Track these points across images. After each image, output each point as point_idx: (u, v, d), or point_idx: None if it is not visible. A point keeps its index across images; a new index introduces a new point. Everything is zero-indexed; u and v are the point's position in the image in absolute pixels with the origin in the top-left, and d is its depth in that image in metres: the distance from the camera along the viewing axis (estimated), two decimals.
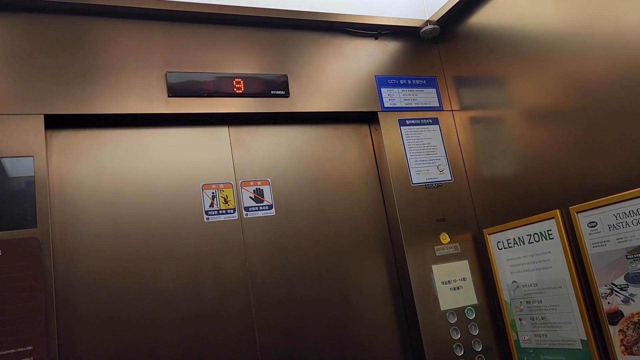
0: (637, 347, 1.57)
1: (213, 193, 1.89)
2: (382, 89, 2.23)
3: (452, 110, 2.34)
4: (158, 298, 1.74)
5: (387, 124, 2.20)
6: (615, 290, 1.62)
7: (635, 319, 1.57)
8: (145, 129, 1.89)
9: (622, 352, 1.61)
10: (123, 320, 1.69)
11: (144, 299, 1.73)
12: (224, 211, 1.89)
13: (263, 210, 1.96)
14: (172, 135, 1.92)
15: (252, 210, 1.94)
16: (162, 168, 1.87)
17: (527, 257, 1.94)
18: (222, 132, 2.00)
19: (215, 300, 1.81)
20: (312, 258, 2.00)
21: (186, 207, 1.86)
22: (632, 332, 1.58)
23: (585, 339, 1.73)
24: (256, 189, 1.97)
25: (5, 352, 1.44)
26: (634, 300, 1.57)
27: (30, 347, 1.47)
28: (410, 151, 2.20)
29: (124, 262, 1.74)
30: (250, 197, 1.95)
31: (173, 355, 1.72)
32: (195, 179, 1.90)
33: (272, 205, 1.99)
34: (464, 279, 2.11)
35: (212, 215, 1.87)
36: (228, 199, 1.90)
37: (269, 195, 1.99)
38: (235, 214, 1.90)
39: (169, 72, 1.88)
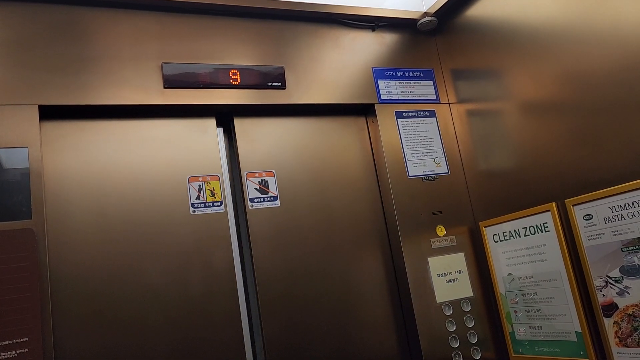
0: (632, 339, 1.58)
1: (199, 185, 1.88)
2: (379, 81, 2.22)
3: (449, 103, 2.33)
4: (146, 289, 1.73)
5: (384, 117, 2.19)
6: (610, 283, 1.63)
7: (630, 311, 1.58)
8: (140, 120, 1.88)
9: (617, 344, 1.62)
10: (112, 313, 1.68)
11: (132, 289, 1.72)
12: (210, 204, 1.88)
13: (268, 201, 1.97)
14: (165, 127, 1.91)
15: (258, 202, 1.94)
16: (150, 160, 1.85)
17: (522, 249, 1.95)
18: (209, 124, 1.98)
19: (202, 292, 1.80)
20: (313, 250, 2.00)
21: (172, 200, 1.84)
22: (627, 325, 1.59)
23: (580, 331, 1.74)
24: (261, 180, 1.96)
25: (1, 343, 1.44)
26: (628, 293, 1.58)
27: (25, 339, 1.46)
28: (407, 144, 2.19)
29: (113, 252, 1.73)
30: (256, 189, 1.95)
31: (164, 349, 1.72)
32: (181, 171, 1.88)
33: (277, 196, 1.99)
34: (459, 272, 2.12)
35: (198, 207, 1.86)
36: (215, 192, 1.89)
37: (274, 186, 1.99)
38: (222, 207, 1.89)
39: (164, 63, 1.87)
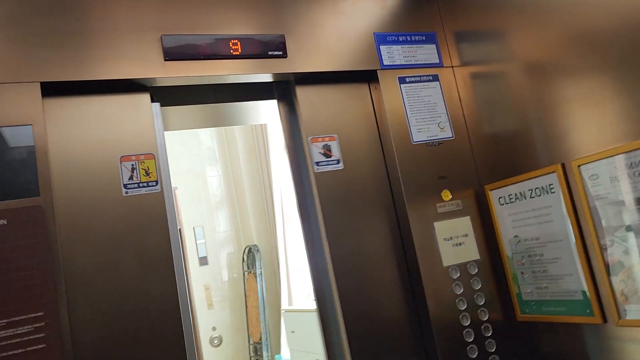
0: (637, 296, 1.59)
1: (132, 165, 1.80)
2: (381, 46, 2.19)
3: (452, 67, 2.31)
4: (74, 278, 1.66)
5: (387, 83, 2.17)
6: (616, 242, 1.64)
7: (636, 269, 1.59)
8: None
9: (623, 302, 1.64)
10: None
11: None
12: (144, 184, 1.80)
13: (332, 164, 2.08)
14: (99, 103, 1.81)
15: (322, 165, 2.06)
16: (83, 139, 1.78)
17: (528, 211, 1.95)
18: (142, 99, 1.87)
19: (136, 276, 1.72)
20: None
21: (104, 181, 1.75)
22: (632, 282, 1.61)
23: (586, 290, 1.76)
24: (325, 144, 2.09)
25: (18, 318, 1.48)
26: (634, 251, 1.59)
27: (41, 313, 1.50)
28: (411, 109, 2.18)
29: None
30: (320, 153, 2.06)
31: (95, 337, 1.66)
32: (113, 150, 1.79)
33: (339, 159, 2.09)
34: (466, 235, 2.13)
35: (131, 188, 1.78)
36: (150, 171, 1.81)
37: (337, 150, 2.11)
38: (158, 187, 1.81)
39: (164, 35, 1.85)
